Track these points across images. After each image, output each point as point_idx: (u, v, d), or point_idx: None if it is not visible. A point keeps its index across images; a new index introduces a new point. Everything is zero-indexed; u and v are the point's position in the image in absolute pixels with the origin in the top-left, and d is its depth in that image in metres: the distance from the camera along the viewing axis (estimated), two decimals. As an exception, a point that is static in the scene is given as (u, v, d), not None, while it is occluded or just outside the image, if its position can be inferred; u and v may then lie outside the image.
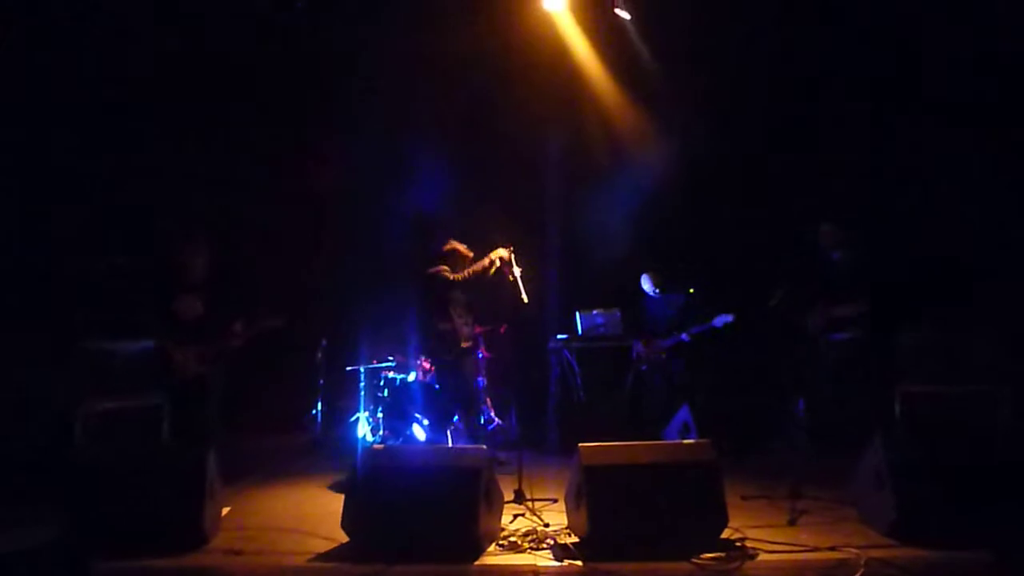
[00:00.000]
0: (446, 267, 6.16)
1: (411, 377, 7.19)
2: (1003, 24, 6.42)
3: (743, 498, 5.03)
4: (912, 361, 6.55)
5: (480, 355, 7.29)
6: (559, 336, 7.35)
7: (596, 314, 7.32)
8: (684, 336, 7.09)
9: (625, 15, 7.37)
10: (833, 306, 6.41)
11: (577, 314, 7.37)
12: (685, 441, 4.42)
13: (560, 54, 7.59)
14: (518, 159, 7.92)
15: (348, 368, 7.23)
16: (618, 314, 7.42)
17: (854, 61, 7.20)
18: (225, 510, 4.82)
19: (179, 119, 7.34)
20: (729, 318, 6.86)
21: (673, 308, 7.28)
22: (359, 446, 6.09)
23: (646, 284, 7.46)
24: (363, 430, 6.94)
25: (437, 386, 6.71)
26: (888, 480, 4.20)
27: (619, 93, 7.91)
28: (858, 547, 4.02)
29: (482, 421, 7.25)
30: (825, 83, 7.37)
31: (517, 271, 5.48)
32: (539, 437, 7.15)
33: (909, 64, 7.03)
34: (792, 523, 4.51)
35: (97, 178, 6.92)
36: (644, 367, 7.27)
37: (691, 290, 7.40)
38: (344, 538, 4.22)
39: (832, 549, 4.04)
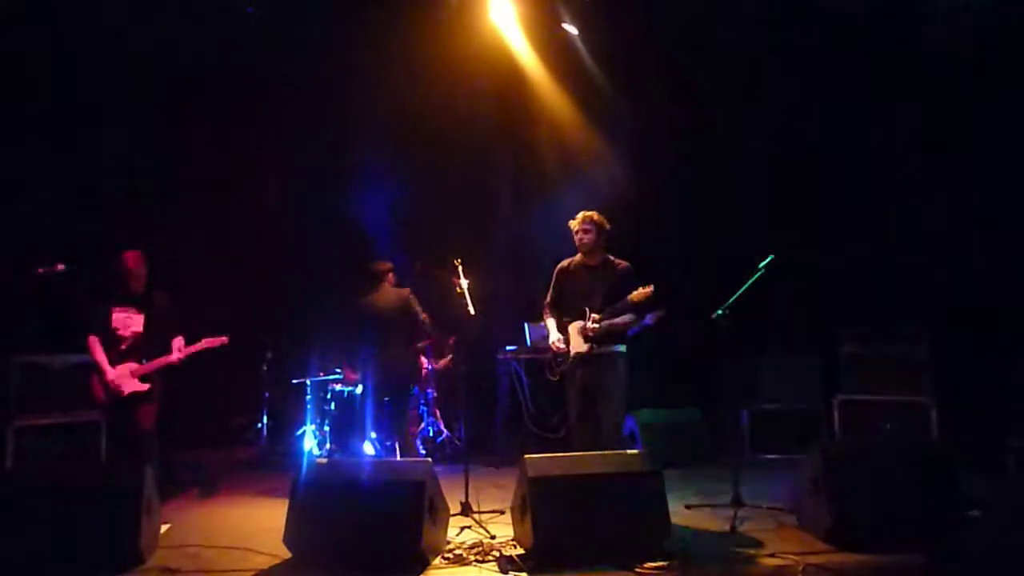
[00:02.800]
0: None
1: (359, 390, 7.13)
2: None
3: (687, 507, 5.11)
4: (849, 372, 6.80)
5: (429, 367, 7.29)
6: (508, 348, 7.37)
7: (544, 325, 7.31)
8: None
9: (572, 30, 7.48)
10: None
11: (526, 325, 7.39)
12: (630, 451, 4.43)
13: (510, 67, 7.67)
14: (467, 170, 7.94)
15: (294, 380, 7.14)
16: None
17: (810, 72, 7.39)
18: (164, 527, 4.72)
19: (120, 126, 7.20)
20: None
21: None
22: (305, 460, 5.99)
23: None
24: (309, 444, 6.84)
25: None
26: (824, 487, 4.30)
27: (569, 106, 8.00)
28: (796, 553, 4.11)
29: (431, 433, 7.23)
30: (774, 98, 7.57)
31: (464, 283, 5.47)
32: (487, 448, 7.15)
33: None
34: (733, 531, 4.59)
35: (32, 185, 6.74)
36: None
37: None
38: (287, 554, 4.16)
39: (771, 556, 4.13)
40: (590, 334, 4.91)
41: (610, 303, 4.89)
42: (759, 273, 5.10)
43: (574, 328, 5.00)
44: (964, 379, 6.43)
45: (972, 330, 6.53)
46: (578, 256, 5.14)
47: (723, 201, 7.75)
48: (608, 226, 5.08)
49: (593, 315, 4.89)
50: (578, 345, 4.97)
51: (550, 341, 5.08)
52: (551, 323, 5.15)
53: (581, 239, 5.03)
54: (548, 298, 5.25)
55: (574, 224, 5.08)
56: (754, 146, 7.71)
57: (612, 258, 5.11)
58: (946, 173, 6.89)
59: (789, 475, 4.90)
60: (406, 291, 6.05)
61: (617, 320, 4.90)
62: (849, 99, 7.32)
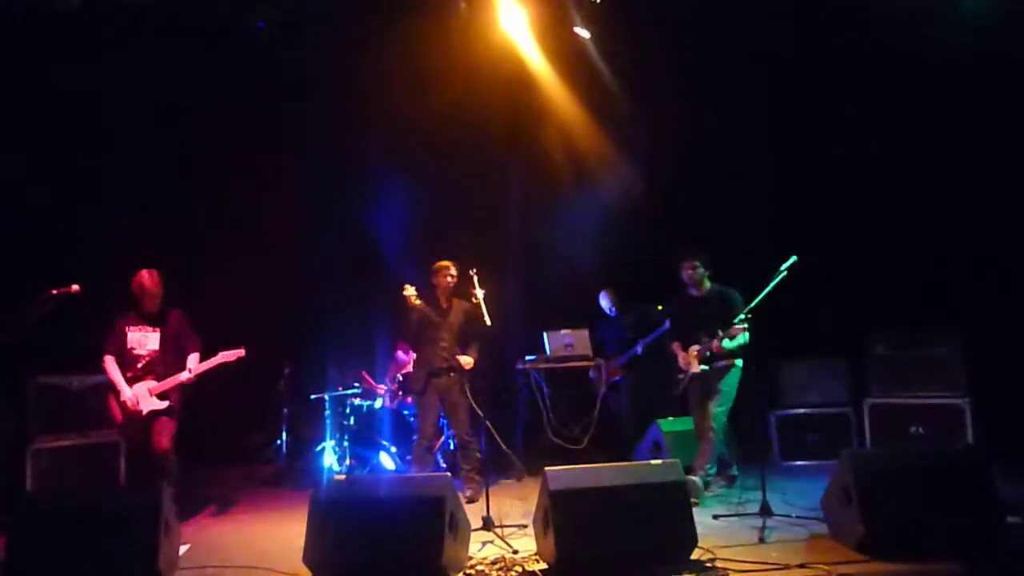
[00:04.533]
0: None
1: (378, 404, 7.14)
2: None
3: (714, 517, 5.05)
4: (879, 374, 6.69)
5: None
6: (527, 357, 7.35)
7: (564, 334, 7.32)
8: (638, 348, 7.13)
9: (585, 33, 7.46)
10: None
11: (545, 335, 7.37)
12: (654, 462, 4.39)
13: (521, 73, 7.66)
14: (480, 178, 7.92)
15: (313, 396, 7.15)
16: (587, 334, 7.40)
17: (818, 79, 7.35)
18: (183, 548, 4.73)
19: (131, 142, 7.26)
20: None
21: (627, 330, 7.33)
22: (324, 476, 6.01)
23: (604, 301, 7.51)
24: (329, 460, 6.84)
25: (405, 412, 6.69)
26: (856, 495, 4.23)
27: (581, 111, 7.97)
28: (828, 564, 4.05)
29: (451, 447, 7.22)
30: (787, 102, 7.52)
31: (480, 294, 5.47)
32: (508, 461, 7.13)
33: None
34: (762, 541, 4.53)
35: (45, 204, 6.82)
36: (602, 390, 7.30)
37: (660, 307, 7.44)
38: (307, 573, 4.14)
39: (802, 567, 4.06)
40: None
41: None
42: (781, 275, 5.06)
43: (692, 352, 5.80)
44: (1000, 380, 6.31)
45: (1008, 329, 6.41)
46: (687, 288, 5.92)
47: (742, 203, 7.68)
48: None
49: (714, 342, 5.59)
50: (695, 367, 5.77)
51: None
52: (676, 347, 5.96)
53: (691, 276, 5.84)
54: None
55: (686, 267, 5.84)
56: (773, 146, 7.64)
57: (719, 287, 5.88)
58: (974, 168, 6.80)
59: (819, 482, 4.82)
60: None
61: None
62: (874, 94, 7.24)
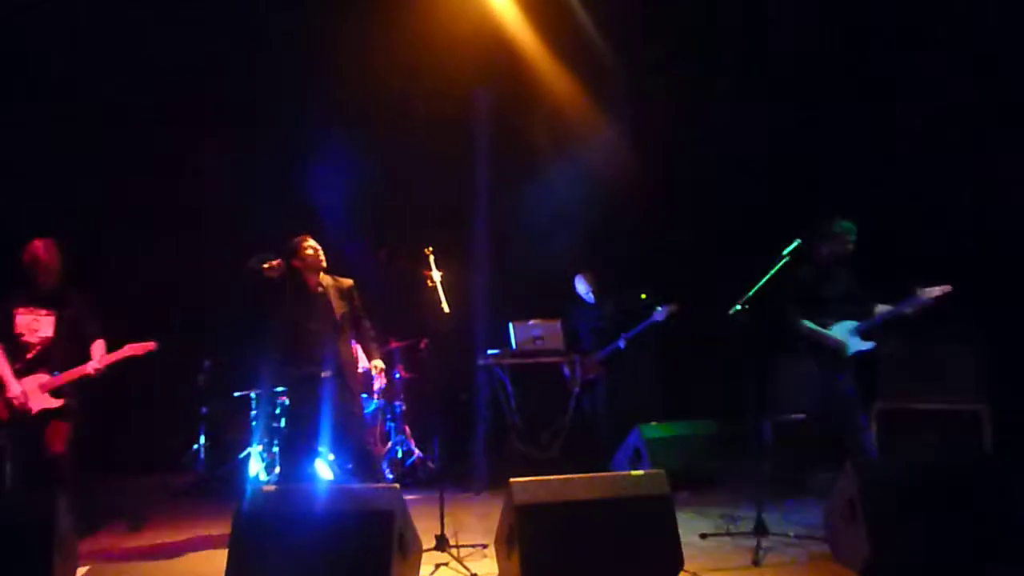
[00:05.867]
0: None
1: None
2: None
3: (702, 536, 5.09)
4: (889, 376, 6.79)
5: (396, 375, 7.28)
6: (490, 352, 7.35)
7: (533, 325, 7.33)
8: (620, 343, 7.16)
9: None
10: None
11: (511, 326, 7.37)
12: (634, 472, 4.40)
13: (492, 28, 7.63)
14: (442, 146, 7.89)
15: (237, 393, 7.07)
16: (559, 326, 7.47)
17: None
18: (82, 571, 4.63)
19: (39, 112, 7.11)
20: (669, 308, 6.98)
21: (606, 320, 7.38)
22: (249, 487, 5.93)
23: (580, 286, 7.54)
24: (255, 468, 6.79)
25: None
26: (861, 511, 4.28)
27: (559, 69, 7.96)
28: (830, 590, 4.10)
29: (399, 454, 7.20)
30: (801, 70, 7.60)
31: (437, 277, 5.42)
32: (466, 471, 7.14)
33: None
34: (756, 564, 4.57)
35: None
36: (576, 390, 7.34)
37: (643, 295, 7.49)
38: (229, 600, 4.08)
39: (801, 593, 4.11)
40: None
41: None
42: (784, 261, 5.11)
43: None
44: (1021, 384, 6.44)
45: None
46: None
47: (742, 180, 7.74)
48: None
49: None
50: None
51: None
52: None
53: (849, 249, 5.72)
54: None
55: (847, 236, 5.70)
56: (779, 118, 7.72)
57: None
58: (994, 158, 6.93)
59: (820, 497, 4.87)
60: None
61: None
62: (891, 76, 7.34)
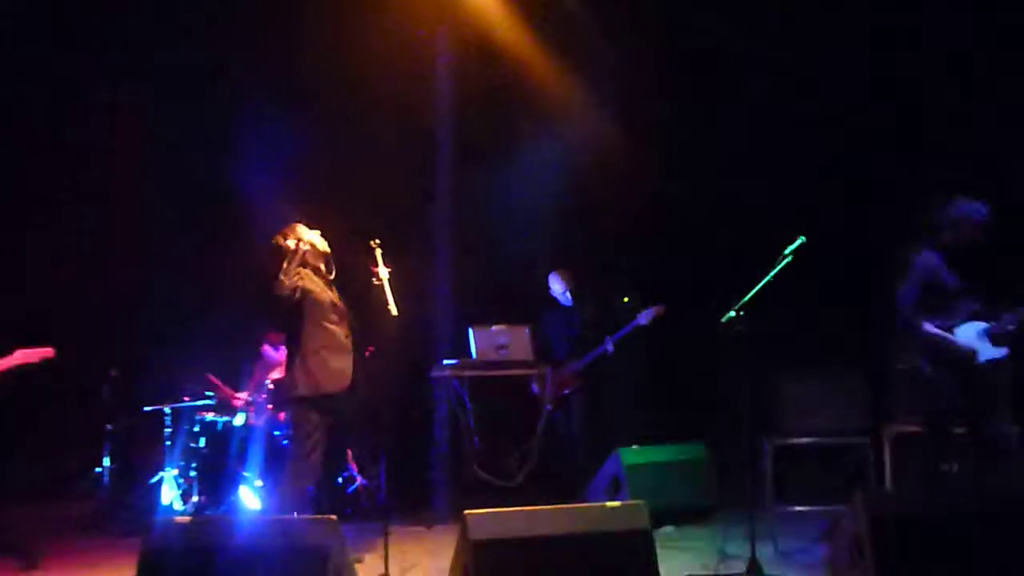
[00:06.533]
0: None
1: (239, 420, 7.08)
2: None
3: (688, 577, 5.16)
4: (907, 395, 6.88)
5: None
6: (446, 362, 7.35)
7: (497, 331, 7.34)
8: (608, 345, 7.21)
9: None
10: None
11: (471, 332, 7.37)
12: (610, 503, 4.44)
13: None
14: (393, 122, 7.91)
15: (147, 408, 7.04)
16: (528, 332, 7.46)
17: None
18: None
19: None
20: (656, 309, 7.04)
21: (584, 325, 7.42)
22: (161, 518, 5.93)
23: (555, 285, 7.56)
24: (169, 495, 6.76)
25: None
26: (869, 551, 4.35)
27: (532, 38, 7.99)
28: (830, 640, 4.18)
29: (340, 480, 7.19)
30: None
31: (384, 273, 5.45)
32: (418, 500, 7.16)
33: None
34: (750, 610, 4.65)
35: None
36: (548, 407, 7.39)
37: (625, 299, 7.54)
38: (134, 651, 4.09)
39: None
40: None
41: None
42: (785, 261, 5.16)
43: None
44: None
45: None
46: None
47: (742, 166, 7.82)
48: None
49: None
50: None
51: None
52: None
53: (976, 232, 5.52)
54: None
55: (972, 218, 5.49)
56: (786, 95, 7.82)
57: None
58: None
59: (824, 535, 4.94)
60: None
61: None
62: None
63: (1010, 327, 5.41)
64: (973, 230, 5.48)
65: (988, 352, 5.45)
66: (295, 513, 5.39)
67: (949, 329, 5.50)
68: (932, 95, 7.48)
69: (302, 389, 5.48)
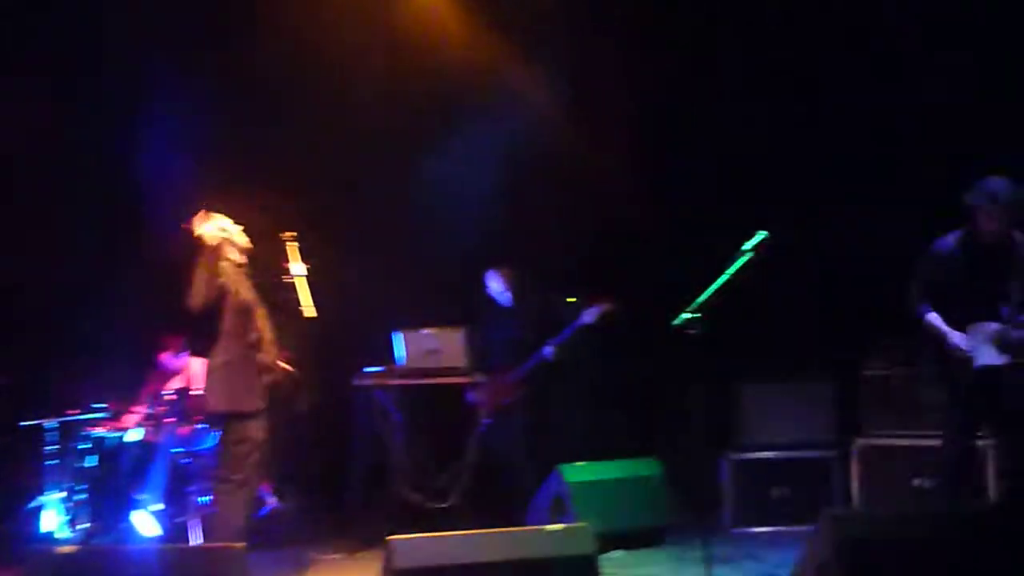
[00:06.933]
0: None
1: (134, 436, 6.99)
2: None
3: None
4: (877, 406, 6.95)
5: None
6: (369, 369, 7.35)
7: (428, 335, 7.33)
8: (545, 351, 7.20)
9: None
10: None
11: (398, 335, 7.36)
12: (551, 527, 4.43)
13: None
14: (315, 104, 7.84)
15: (25, 424, 6.89)
16: (462, 336, 7.46)
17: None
18: None
19: None
20: (602, 307, 7.03)
21: (526, 328, 7.40)
22: (42, 547, 5.79)
23: (494, 284, 7.55)
24: (52, 522, 6.65)
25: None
26: (839, 574, 4.37)
27: (474, 17, 7.99)
28: None
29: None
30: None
31: (300, 269, 5.38)
32: (338, 525, 7.11)
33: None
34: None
35: None
36: (485, 419, 7.38)
37: (571, 298, 7.53)
38: None
39: None
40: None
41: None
42: (745, 258, 5.17)
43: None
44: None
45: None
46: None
47: (703, 153, 7.88)
48: None
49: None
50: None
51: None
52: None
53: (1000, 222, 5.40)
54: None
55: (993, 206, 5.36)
56: (751, 77, 7.90)
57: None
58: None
59: (786, 556, 4.96)
60: None
61: None
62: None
63: (1015, 333, 5.35)
64: (988, 221, 5.37)
65: (986, 357, 5.39)
66: None
67: (959, 325, 5.43)
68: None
69: (241, 403, 5.53)
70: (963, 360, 5.39)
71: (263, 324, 5.66)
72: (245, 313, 5.56)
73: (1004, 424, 5.62)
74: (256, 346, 5.60)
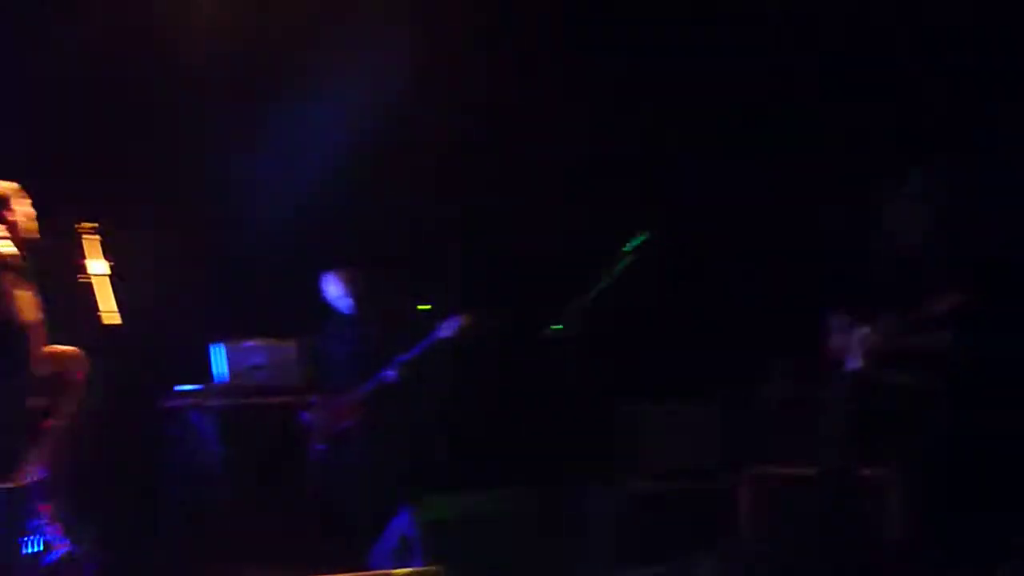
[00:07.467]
0: None
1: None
2: None
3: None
4: (775, 430, 7.09)
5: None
6: (183, 387, 7.32)
7: (253, 348, 7.35)
8: (389, 373, 7.21)
9: None
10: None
11: (218, 348, 7.32)
12: (398, 571, 4.55)
13: None
14: (117, 69, 7.66)
15: None
16: (294, 349, 7.50)
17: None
18: None
19: None
20: (462, 319, 7.07)
21: (371, 340, 7.42)
22: None
23: (332, 288, 7.54)
24: None
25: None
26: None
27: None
28: None
29: (38, 546, 6.85)
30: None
31: (100, 268, 5.24)
32: (144, 570, 6.87)
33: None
34: None
35: None
36: (320, 446, 7.37)
37: (425, 306, 7.55)
38: None
39: None
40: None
41: None
42: (624, 262, 5.21)
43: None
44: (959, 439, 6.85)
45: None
46: None
47: (583, 141, 7.96)
48: None
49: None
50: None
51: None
52: None
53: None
54: None
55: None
56: (630, 61, 7.98)
57: None
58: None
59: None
60: None
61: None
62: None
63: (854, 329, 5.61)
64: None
65: (852, 360, 5.63)
66: None
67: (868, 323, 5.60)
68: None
69: None
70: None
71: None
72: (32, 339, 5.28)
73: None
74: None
